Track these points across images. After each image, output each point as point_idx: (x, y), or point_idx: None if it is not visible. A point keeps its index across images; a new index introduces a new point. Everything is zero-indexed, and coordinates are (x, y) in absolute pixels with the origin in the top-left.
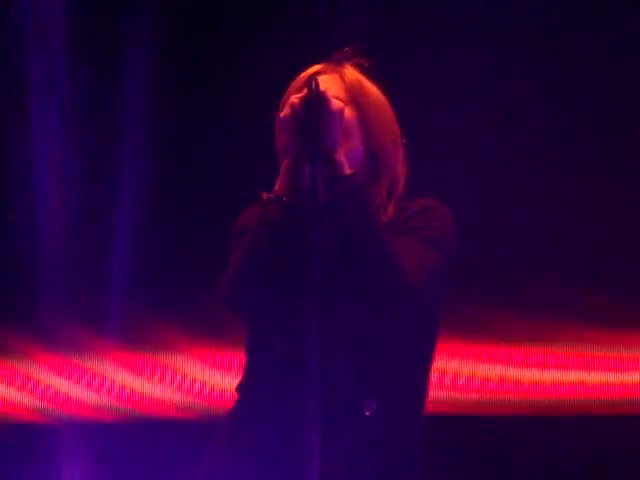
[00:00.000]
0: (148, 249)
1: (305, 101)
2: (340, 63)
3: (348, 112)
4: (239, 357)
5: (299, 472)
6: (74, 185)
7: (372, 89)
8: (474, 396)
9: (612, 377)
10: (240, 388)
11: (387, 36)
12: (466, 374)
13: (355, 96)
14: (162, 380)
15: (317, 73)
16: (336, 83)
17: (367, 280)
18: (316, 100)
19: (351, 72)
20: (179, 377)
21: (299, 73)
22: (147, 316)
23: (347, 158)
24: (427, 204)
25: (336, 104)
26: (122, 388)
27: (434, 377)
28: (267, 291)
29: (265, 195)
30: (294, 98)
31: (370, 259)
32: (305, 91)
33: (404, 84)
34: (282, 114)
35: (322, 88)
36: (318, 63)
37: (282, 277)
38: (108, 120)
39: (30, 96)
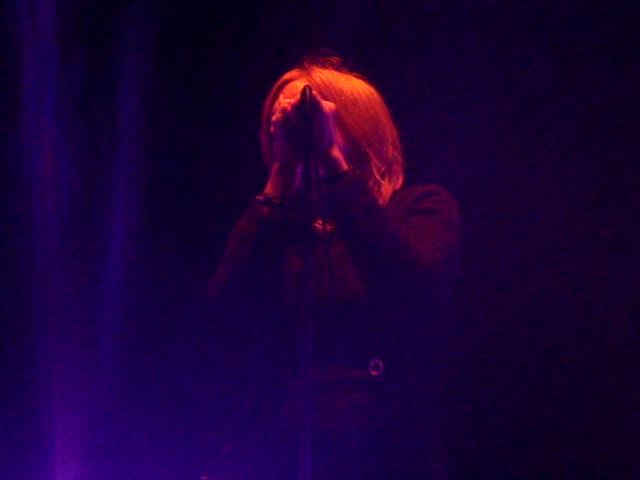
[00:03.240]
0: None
1: (299, 108)
2: (309, 67)
3: None
4: None
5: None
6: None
7: (343, 84)
8: None
9: None
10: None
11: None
12: None
13: (322, 95)
14: None
15: (288, 80)
16: None
17: (381, 267)
18: (310, 106)
19: (318, 74)
20: None
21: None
22: None
23: None
24: (431, 188)
25: (328, 106)
26: None
27: None
28: (258, 291)
29: (256, 198)
30: (285, 103)
31: (380, 246)
32: (298, 98)
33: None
34: (274, 118)
35: (315, 92)
36: (289, 71)
37: (273, 276)
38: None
39: (23, 96)
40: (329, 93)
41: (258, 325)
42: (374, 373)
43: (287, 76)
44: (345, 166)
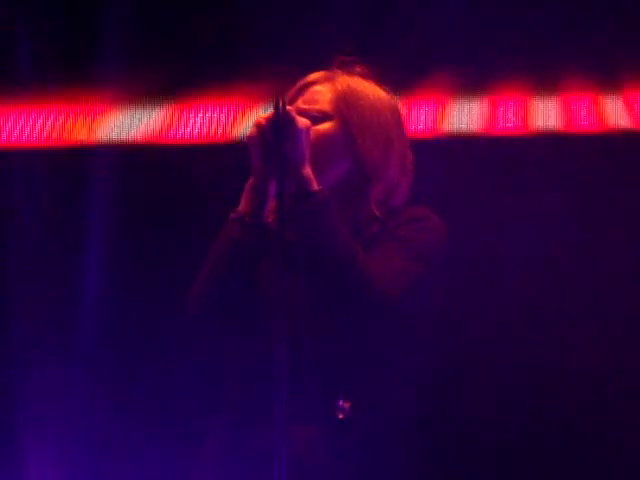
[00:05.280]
0: None
1: (272, 122)
2: (335, 71)
3: (331, 126)
4: None
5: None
6: None
7: (364, 98)
8: None
9: None
10: (216, 406)
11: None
12: None
13: (340, 109)
14: None
15: (312, 83)
16: (325, 95)
17: (335, 294)
18: (283, 120)
19: (342, 82)
20: None
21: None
22: None
23: (331, 172)
24: (418, 214)
25: (302, 122)
26: None
27: None
28: (231, 308)
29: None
30: (260, 118)
31: (337, 274)
32: (271, 111)
33: None
34: (248, 133)
35: (289, 107)
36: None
37: (244, 294)
38: None
39: None
40: (346, 107)
41: (235, 345)
42: (340, 416)
43: (311, 78)
44: (315, 186)
